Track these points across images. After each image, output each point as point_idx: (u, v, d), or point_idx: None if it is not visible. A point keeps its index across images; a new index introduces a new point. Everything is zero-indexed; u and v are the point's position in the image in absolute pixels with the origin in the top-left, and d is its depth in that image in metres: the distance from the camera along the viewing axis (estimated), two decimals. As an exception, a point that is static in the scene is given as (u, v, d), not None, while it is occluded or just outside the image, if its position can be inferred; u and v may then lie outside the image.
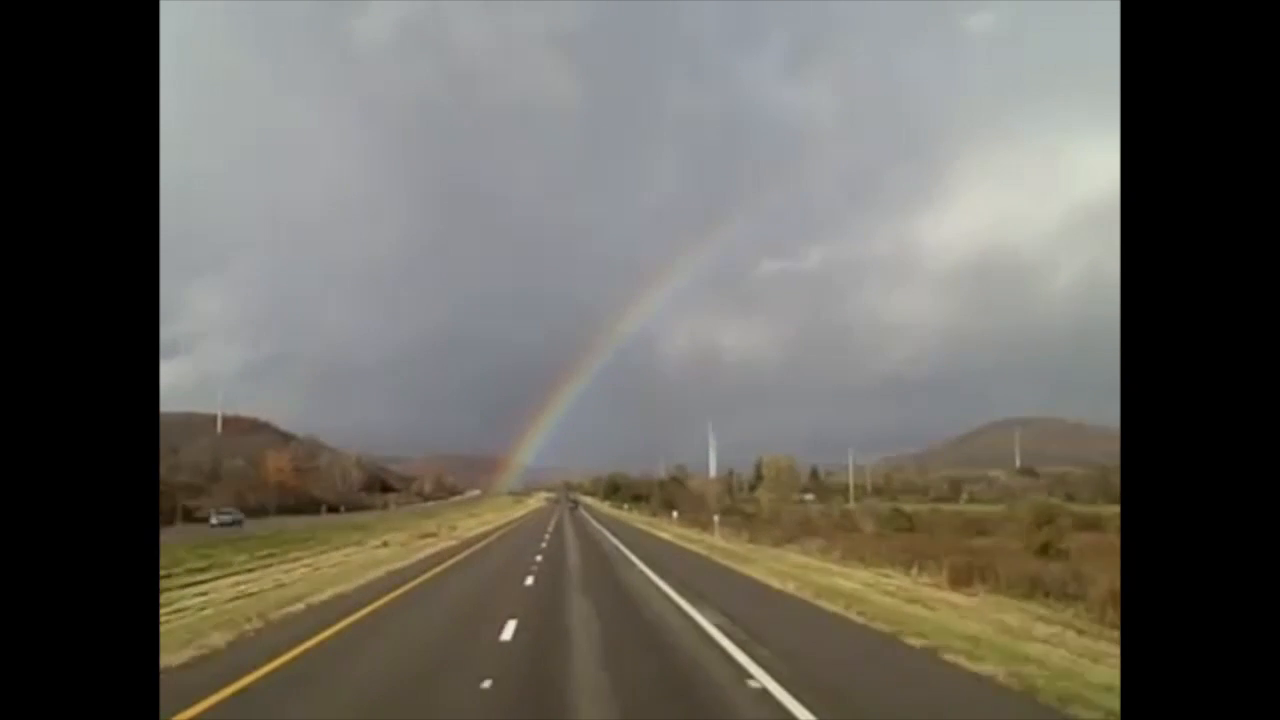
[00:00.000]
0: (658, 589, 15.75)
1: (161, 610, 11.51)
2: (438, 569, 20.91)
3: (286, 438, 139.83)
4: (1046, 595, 14.53)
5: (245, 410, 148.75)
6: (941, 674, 7.91)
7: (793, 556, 26.02)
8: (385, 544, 32.95)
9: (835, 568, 21.65)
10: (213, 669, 7.94)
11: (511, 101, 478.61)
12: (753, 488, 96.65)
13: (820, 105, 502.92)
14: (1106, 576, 13.49)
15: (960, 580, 16.94)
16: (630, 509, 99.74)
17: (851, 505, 79.59)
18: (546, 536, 38.55)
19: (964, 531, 43.87)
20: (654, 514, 77.86)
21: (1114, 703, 6.24)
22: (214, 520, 55.63)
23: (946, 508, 75.74)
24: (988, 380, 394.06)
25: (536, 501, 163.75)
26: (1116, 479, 66.63)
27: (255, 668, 7.87)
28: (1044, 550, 26.43)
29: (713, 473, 64.65)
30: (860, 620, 11.39)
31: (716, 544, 33.53)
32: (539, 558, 24.20)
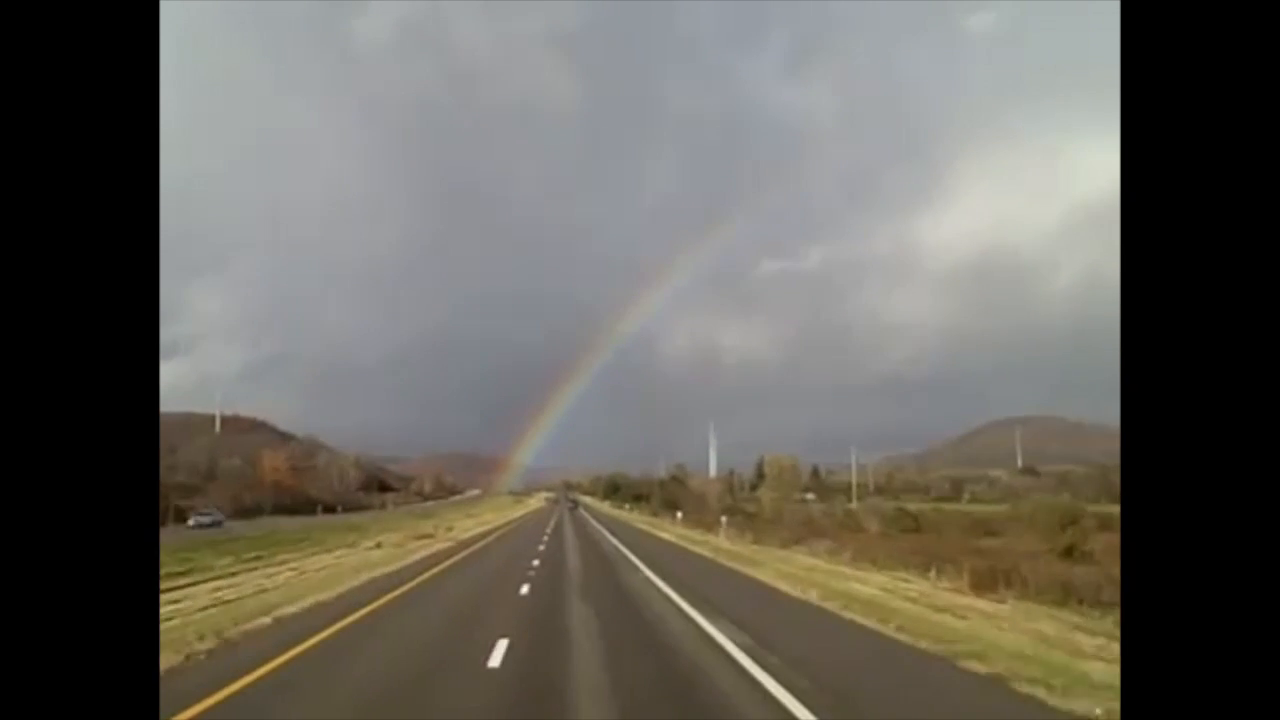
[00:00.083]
0: (671, 601, 14.49)
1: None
2: (430, 573, 20.01)
3: (285, 438, 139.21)
4: (1080, 602, 13.61)
5: (245, 410, 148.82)
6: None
7: (801, 558, 25.17)
8: (379, 545, 32.37)
9: (848, 571, 20.75)
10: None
11: (511, 101, 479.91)
12: (754, 487, 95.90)
13: (820, 105, 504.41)
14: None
15: (983, 585, 16.05)
16: (631, 509, 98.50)
17: (854, 505, 78.47)
18: (545, 538, 37.60)
19: (972, 532, 43.25)
20: (655, 514, 76.93)
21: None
22: (191, 522, 53.94)
23: (949, 507, 75.06)
24: (987, 380, 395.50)
25: (536, 501, 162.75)
26: (1117, 478, 66.42)
27: (177, 711, 6.21)
28: (1068, 552, 25.48)
29: (713, 472, 64.08)
30: (904, 639, 9.99)
31: (722, 545, 32.55)
32: (536, 562, 23.20)
